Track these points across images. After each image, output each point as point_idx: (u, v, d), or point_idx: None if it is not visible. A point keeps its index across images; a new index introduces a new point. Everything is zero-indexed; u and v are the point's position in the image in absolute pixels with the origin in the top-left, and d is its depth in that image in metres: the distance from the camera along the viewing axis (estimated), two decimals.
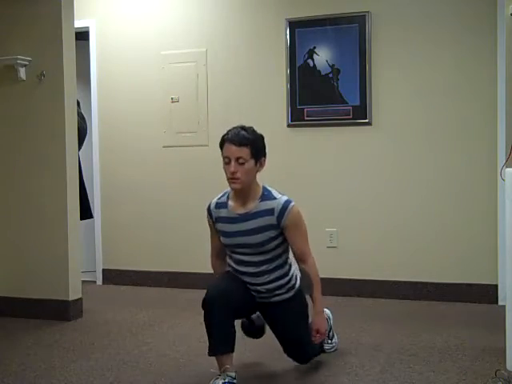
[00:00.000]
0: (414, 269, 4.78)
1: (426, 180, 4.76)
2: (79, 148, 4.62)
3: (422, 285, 4.75)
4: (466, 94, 4.66)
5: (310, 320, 3.11)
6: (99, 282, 5.66)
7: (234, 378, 2.87)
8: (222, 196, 3.06)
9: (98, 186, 5.65)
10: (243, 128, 2.90)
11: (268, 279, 3.00)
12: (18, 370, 3.28)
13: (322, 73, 4.94)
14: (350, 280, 4.91)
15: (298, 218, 2.96)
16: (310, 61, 4.96)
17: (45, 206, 4.39)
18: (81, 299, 4.44)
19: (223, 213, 3.00)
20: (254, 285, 3.03)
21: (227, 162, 2.87)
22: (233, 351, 2.89)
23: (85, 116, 4.90)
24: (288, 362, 3.18)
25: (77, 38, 4.56)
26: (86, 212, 4.74)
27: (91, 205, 5.01)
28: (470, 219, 4.66)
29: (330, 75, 4.92)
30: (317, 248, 4.93)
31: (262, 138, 2.94)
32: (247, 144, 2.84)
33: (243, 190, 2.92)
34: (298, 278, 3.11)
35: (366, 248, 4.89)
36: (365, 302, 4.74)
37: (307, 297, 3.12)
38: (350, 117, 4.89)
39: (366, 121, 4.85)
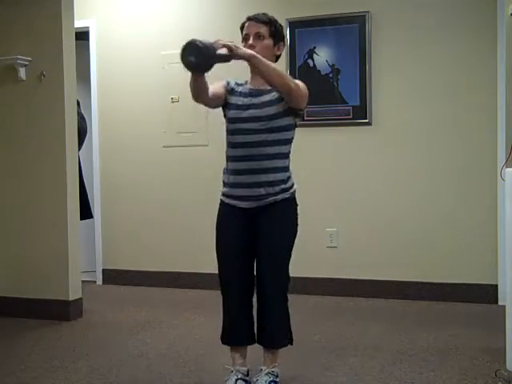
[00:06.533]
0: (413, 269, 4.78)
1: (425, 180, 4.76)
2: (79, 148, 4.62)
3: (422, 285, 4.75)
4: (466, 93, 4.66)
5: None
6: (99, 282, 5.66)
7: (247, 375, 2.90)
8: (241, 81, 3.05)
9: (98, 186, 5.65)
10: (264, 13, 2.96)
11: (269, 165, 2.84)
12: (18, 370, 3.28)
13: (322, 73, 4.94)
14: (350, 280, 4.91)
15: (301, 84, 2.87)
16: (310, 61, 4.97)
17: (45, 206, 4.39)
18: (81, 299, 4.44)
19: (239, 89, 2.98)
20: (254, 185, 2.83)
21: (247, 38, 2.89)
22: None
23: (85, 116, 4.91)
24: (287, 362, 3.18)
25: (77, 38, 4.56)
26: (86, 212, 4.74)
27: (91, 205, 5.01)
28: (470, 219, 4.66)
29: (330, 75, 4.93)
30: (317, 248, 5.01)
31: (281, 26, 2.97)
32: (267, 23, 2.88)
33: None
34: (295, 185, 2.96)
35: (366, 248, 4.89)
36: (365, 302, 4.74)
37: None
38: (350, 117, 4.89)
39: (366, 121, 4.85)
